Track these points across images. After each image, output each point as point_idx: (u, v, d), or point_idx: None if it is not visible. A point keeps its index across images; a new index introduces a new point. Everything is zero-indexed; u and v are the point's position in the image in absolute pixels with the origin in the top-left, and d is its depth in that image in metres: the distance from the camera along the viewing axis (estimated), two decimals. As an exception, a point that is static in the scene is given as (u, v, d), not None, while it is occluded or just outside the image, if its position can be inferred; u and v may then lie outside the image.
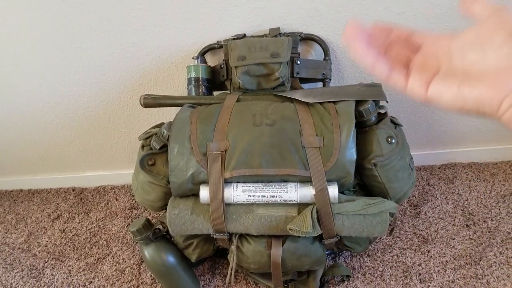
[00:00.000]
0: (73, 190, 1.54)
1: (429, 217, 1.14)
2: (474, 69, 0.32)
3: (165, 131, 0.88)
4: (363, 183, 0.91)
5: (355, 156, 0.80)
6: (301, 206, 0.83)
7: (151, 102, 0.97)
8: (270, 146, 0.82)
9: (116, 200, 1.45)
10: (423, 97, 0.34)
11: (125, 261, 1.20)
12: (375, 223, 0.81)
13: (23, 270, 1.24)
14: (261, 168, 0.81)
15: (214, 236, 0.87)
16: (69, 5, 1.02)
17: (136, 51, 1.10)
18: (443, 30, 1.01)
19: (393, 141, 0.84)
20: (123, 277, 1.15)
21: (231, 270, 0.89)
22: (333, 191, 0.79)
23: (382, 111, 0.89)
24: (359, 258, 1.06)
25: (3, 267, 1.26)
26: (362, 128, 0.87)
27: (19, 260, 1.28)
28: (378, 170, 0.84)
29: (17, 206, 1.53)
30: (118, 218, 1.36)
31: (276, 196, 0.82)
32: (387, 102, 0.88)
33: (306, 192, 0.81)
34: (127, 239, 1.27)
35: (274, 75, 0.95)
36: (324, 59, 1.04)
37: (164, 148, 0.90)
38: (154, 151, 0.91)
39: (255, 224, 0.84)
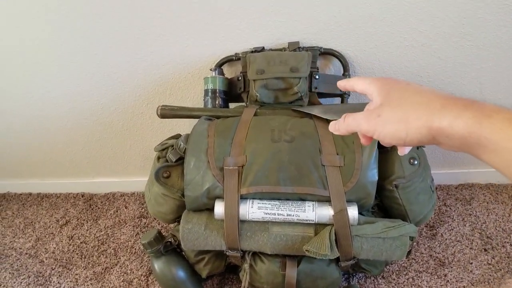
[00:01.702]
0: (82, 196, 1.53)
1: (446, 239, 1.11)
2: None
3: (182, 143, 0.87)
4: (382, 204, 0.89)
5: (376, 177, 0.78)
6: (318, 226, 0.80)
7: (168, 113, 0.95)
8: (288, 163, 0.80)
9: (126, 207, 1.43)
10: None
11: (133, 272, 1.18)
12: (395, 246, 0.79)
13: (29, 277, 1.23)
14: (278, 185, 0.79)
15: (227, 253, 0.85)
16: (87, 12, 1.01)
17: (154, 59, 1.09)
18: (468, 49, 0.99)
19: (416, 162, 0.82)
20: (131, 288, 1.13)
21: (243, 289, 0.87)
22: (352, 212, 0.77)
23: (405, 131, 0.87)
24: (373, 280, 1.03)
25: (9, 273, 1.25)
26: (384, 148, 0.85)
27: (26, 266, 1.27)
28: (399, 192, 0.82)
29: (25, 210, 1.52)
30: (127, 227, 1.34)
31: (293, 215, 0.80)
32: (410, 122, 0.86)
33: (324, 212, 0.79)
34: (135, 249, 1.26)
35: (293, 89, 0.94)
36: (343, 74, 1.03)
37: (180, 160, 0.89)
38: (170, 164, 0.89)
39: (270, 243, 0.81)
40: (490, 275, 1.00)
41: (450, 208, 1.21)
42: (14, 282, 1.21)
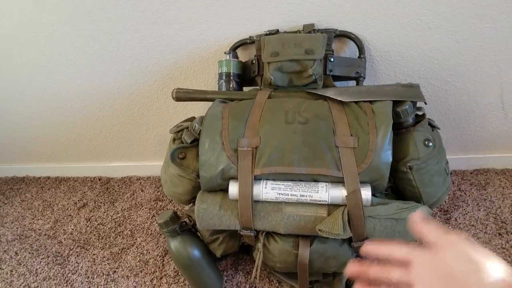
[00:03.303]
0: (99, 180, 1.56)
1: (460, 223, 1.11)
2: None
3: (196, 125, 0.88)
4: (396, 186, 0.89)
5: (390, 159, 0.78)
6: (331, 207, 0.81)
7: (182, 96, 0.97)
8: (302, 144, 0.80)
9: (142, 191, 1.46)
10: None
11: (149, 252, 1.21)
12: (408, 228, 0.79)
13: (48, 257, 1.26)
14: (292, 166, 0.80)
15: (241, 232, 0.87)
16: (104, -4, 1.03)
17: (168, 44, 1.10)
18: (486, 31, 0.97)
19: (430, 144, 0.82)
20: (147, 268, 1.16)
21: (257, 268, 0.88)
22: (366, 193, 0.77)
23: (420, 113, 0.86)
24: (386, 262, 1.04)
25: (29, 253, 1.29)
26: (399, 129, 0.85)
27: (45, 247, 1.31)
28: (414, 174, 0.82)
29: (44, 193, 1.56)
30: (143, 209, 1.37)
31: (306, 196, 0.80)
32: (425, 103, 0.86)
33: (337, 193, 0.79)
34: (151, 230, 1.28)
35: (307, 72, 0.93)
36: (359, 57, 1.02)
37: (195, 142, 0.90)
38: (185, 145, 0.90)
39: (283, 223, 0.82)
40: (505, 259, 1.00)
41: (464, 193, 1.20)
42: (34, 262, 1.25)
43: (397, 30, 1.00)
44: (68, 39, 1.13)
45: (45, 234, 1.36)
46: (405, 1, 0.95)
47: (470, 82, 1.08)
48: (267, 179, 0.83)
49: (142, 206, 1.39)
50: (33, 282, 1.18)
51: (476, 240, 1.06)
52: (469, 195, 1.19)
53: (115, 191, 1.49)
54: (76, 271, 1.20)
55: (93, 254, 1.24)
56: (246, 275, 1.09)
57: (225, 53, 1.04)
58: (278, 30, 1.03)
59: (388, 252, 0.39)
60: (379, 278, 0.39)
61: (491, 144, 1.23)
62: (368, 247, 0.40)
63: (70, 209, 1.45)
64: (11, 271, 1.23)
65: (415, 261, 0.36)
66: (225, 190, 0.87)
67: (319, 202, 0.81)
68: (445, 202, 1.18)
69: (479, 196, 1.18)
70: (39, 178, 1.66)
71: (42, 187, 1.60)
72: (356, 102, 0.86)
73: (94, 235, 1.31)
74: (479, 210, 1.14)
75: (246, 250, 1.07)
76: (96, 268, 1.20)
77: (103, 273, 1.17)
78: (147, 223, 1.31)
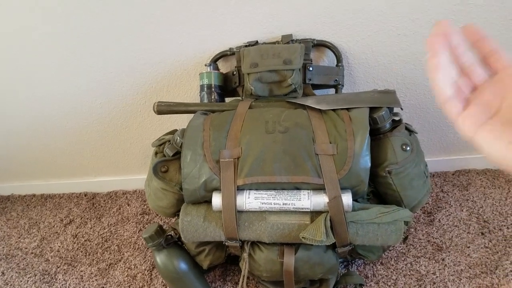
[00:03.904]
0: (85, 195, 1.55)
1: (443, 224, 1.12)
2: None
3: (178, 138, 0.88)
4: (377, 191, 0.90)
5: (369, 164, 0.79)
6: (314, 214, 0.82)
7: (164, 109, 0.97)
8: (283, 153, 0.81)
9: (128, 205, 1.45)
10: (469, 138, 0.31)
11: (137, 267, 1.20)
12: (390, 231, 0.80)
13: (35, 275, 1.25)
14: (274, 175, 0.81)
15: (226, 243, 0.87)
16: (83, 10, 1.03)
17: (149, 57, 1.11)
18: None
19: (408, 148, 0.83)
20: (135, 283, 1.15)
21: (243, 278, 0.88)
22: (347, 199, 0.78)
23: (397, 118, 0.88)
24: (372, 266, 1.05)
25: (16, 272, 1.27)
26: (376, 135, 0.87)
27: (32, 265, 1.29)
28: (393, 178, 0.83)
29: (30, 211, 1.55)
30: (130, 223, 1.37)
31: (289, 204, 0.81)
32: (401, 109, 0.87)
33: (319, 200, 0.80)
34: (138, 245, 1.28)
35: (287, 81, 0.95)
36: (337, 65, 1.04)
37: (177, 155, 0.90)
38: (167, 158, 0.91)
39: (267, 232, 0.83)
40: (488, 258, 1.02)
41: (447, 194, 1.22)
42: (21, 281, 1.24)
43: (373, 38, 1.02)
44: (49, 55, 1.13)
45: (32, 253, 1.34)
46: (380, 9, 0.97)
47: (447, 86, 1.10)
48: (250, 189, 0.84)
49: (129, 221, 1.38)
50: (20, 302, 1.16)
51: (460, 240, 1.07)
52: (451, 196, 1.21)
53: (101, 206, 1.48)
54: (64, 289, 1.19)
55: (81, 271, 1.23)
56: (234, 285, 1.09)
57: (205, 65, 1.05)
58: (257, 41, 1.04)
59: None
60: (462, 51, 0.33)
61: (471, 145, 1.25)
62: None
63: (57, 226, 1.44)
64: (-3, 292, 1.21)
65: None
66: (209, 201, 0.87)
67: (302, 210, 0.82)
68: (429, 203, 1.20)
69: (462, 196, 1.20)
70: (25, 196, 1.64)
71: (27, 205, 1.58)
72: (334, 110, 0.88)
73: (81, 251, 1.30)
74: (462, 210, 1.16)
75: (233, 261, 1.08)
76: (84, 285, 1.18)
77: (91, 290, 1.17)
78: (134, 237, 1.31)
